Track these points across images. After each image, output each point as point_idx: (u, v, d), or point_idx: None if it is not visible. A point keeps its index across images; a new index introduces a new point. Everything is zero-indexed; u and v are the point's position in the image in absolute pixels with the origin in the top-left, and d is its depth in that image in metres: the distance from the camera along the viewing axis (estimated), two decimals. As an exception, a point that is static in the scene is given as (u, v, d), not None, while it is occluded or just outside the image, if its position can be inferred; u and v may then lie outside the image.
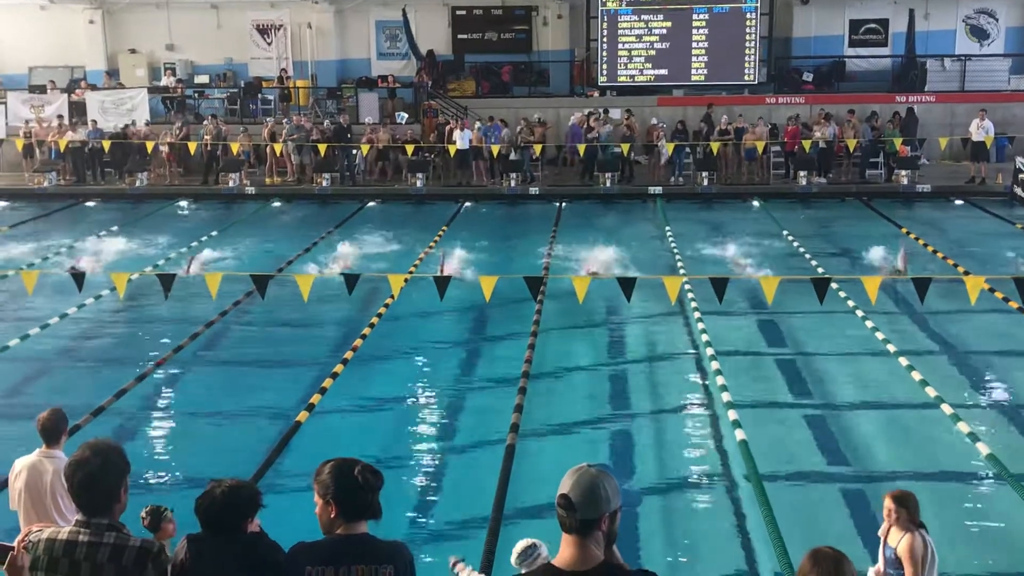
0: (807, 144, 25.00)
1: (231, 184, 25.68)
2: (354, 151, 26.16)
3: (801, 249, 18.76)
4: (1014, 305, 14.24)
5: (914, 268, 15.75)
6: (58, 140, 26.34)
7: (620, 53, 29.31)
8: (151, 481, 9.33)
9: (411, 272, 16.41)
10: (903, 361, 12.23)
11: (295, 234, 21.14)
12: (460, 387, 12.19)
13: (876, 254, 17.08)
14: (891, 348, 12.73)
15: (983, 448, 9.63)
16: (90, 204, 25.27)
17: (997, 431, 10.50)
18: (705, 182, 24.98)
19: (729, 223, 22.19)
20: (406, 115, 28.43)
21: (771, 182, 25.87)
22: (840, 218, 22.84)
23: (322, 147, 25.56)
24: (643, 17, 29.10)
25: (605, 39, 29.22)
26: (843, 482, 9.43)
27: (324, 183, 25.50)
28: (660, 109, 28.31)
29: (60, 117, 27.54)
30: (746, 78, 29.23)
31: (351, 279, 12.49)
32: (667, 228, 20.89)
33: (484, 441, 10.33)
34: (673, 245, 19.17)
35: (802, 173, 24.97)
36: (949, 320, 14.15)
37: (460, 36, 31.62)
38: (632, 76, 29.48)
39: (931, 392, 11.13)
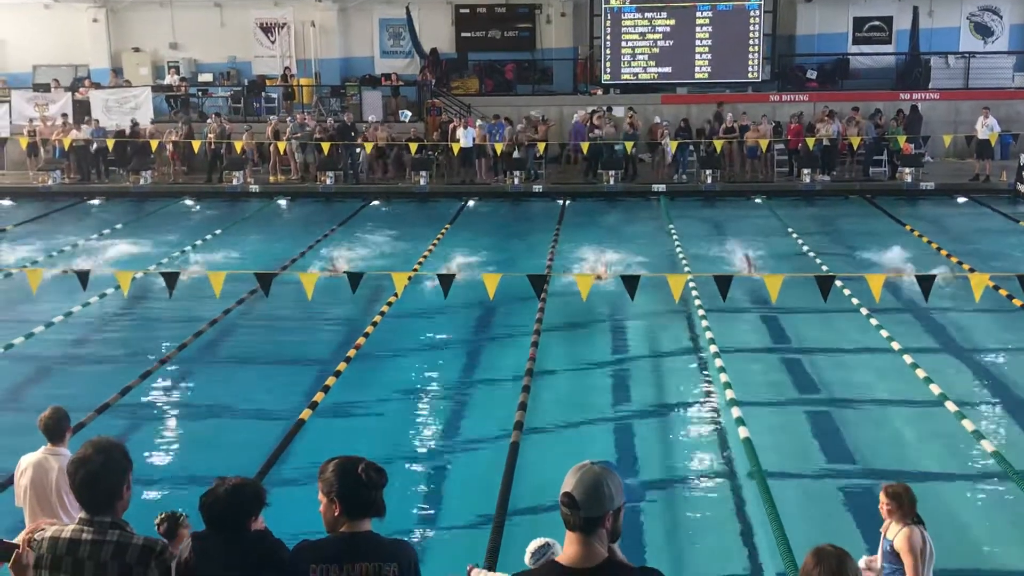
0: (811, 142, 24.97)
1: (235, 182, 25.71)
2: (357, 149, 26.16)
3: (805, 247, 18.74)
4: (1018, 303, 14.23)
5: (917, 266, 15.72)
6: (62, 139, 26.37)
7: (624, 51, 29.27)
8: (155, 479, 9.34)
9: (415, 270, 16.42)
10: (907, 358, 12.22)
11: (299, 232, 21.15)
12: (464, 385, 12.20)
13: (879, 252, 17.07)
14: (895, 345, 12.72)
15: (987, 445, 9.63)
16: (94, 203, 25.30)
17: (1002, 428, 10.50)
18: (709, 180, 24.95)
19: (733, 221, 22.19)
20: (409, 113, 28.44)
21: (775, 180, 25.85)
22: (844, 216, 22.82)
23: (326, 145, 25.57)
24: (647, 15, 29.07)
25: (608, 37, 29.18)
26: (847, 479, 9.43)
27: (328, 181, 25.51)
28: (664, 107, 28.28)
29: (65, 116, 27.57)
30: (750, 76, 29.19)
31: (355, 277, 12.49)
32: (671, 226, 20.87)
33: (488, 439, 10.33)
34: (677, 243, 19.16)
35: (806, 171, 24.94)
36: (953, 317, 14.13)
37: (463, 34, 31.60)
38: (636, 74, 29.45)
39: (935, 389, 11.12)
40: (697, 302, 14.55)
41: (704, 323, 13.73)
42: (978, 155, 24.93)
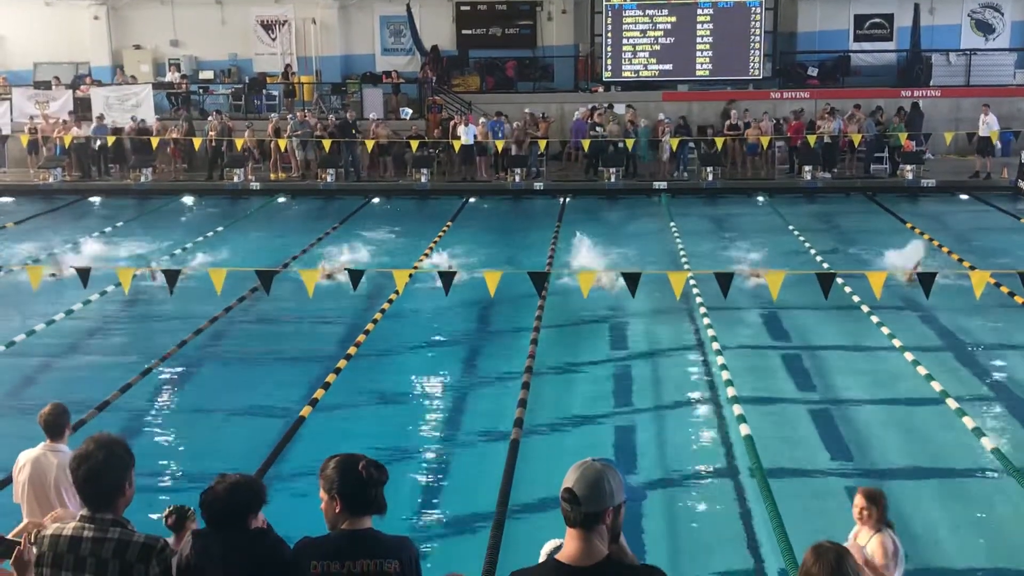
0: (812, 139, 24.96)
1: (236, 180, 25.70)
2: (358, 147, 26.15)
3: (806, 244, 18.73)
4: (1019, 300, 14.23)
5: (918, 264, 15.72)
6: (63, 136, 26.37)
7: (624, 48, 29.25)
8: (156, 476, 9.34)
9: (415, 267, 16.42)
10: (908, 356, 12.22)
11: (299, 230, 21.14)
12: (464, 382, 12.20)
13: (881, 250, 17.07)
14: (896, 343, 12.71)
15: (988, 443, 9.63)
16: (95, 200, 25.30)
17: (1002, 426, 10.49)
18: (710, 177, 24.94)
19: (734, 218, 22.19)
20: (410, 111, 28.44)
21: (776, 177, 25.84)
22: (845, 213, 22.81)
23: (326, 143, 25.57)
24: (648, 12, 29.05)
25: (610, 34, 29.16)
26: (847, 477, 9.41)
27: (328, 179, 25.50)
28: (665, 104, 28.27)
29: (71, 113, 27.58)
30: (751, 73, 29.17)
31: (356, 274, 12.49)
32: (671, 223, 20.86)
33: (488, 436, 10.34)
34: (678, 240, 19.15)
35: (807, 168, 24.93)
36: (954, 315, 14.11)
37: (464, 31, 31.60)
38: (636, 71, 29.43)
39: (936, 386, 11.12)
40: (698, 299, 14.55)
41: (705, 320, 13.73)
42: (979, 152, 24.90)
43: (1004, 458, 9.25)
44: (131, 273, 12.85)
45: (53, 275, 15.25)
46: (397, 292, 14.40)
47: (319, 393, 11.09)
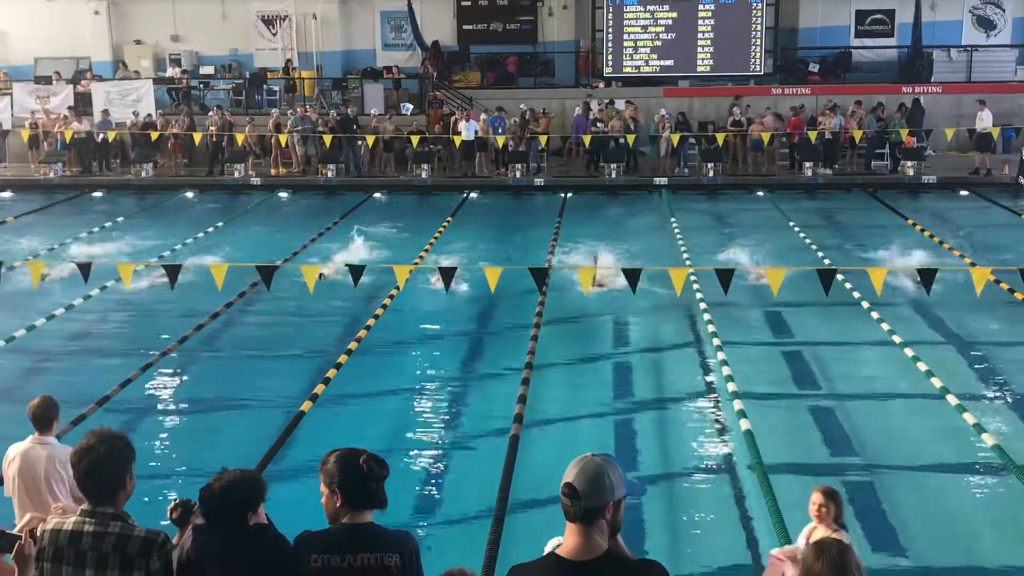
0: (812, 135, 24.95)
1: (236, 175, 25.70)
2: (359, 142, 26.14)
3: (807, 240, 18.73)
4: (1020, 296, 14.23)
5: (920, 259, 15.72)
6: (64, 131, 26.36)
7: (626, 44, 29.23)
8: (155, 471, 9.35)
9: (416, 263, 16.42)
10: (908, 352, 12.22)
11: (300, 225, 21.14)
12: (464, 377, 12.20)
13: (882, 246, 17.07)
14: (896, 339, 12.72)
15: (988, 439, 9.63)
16: (96, 195, 25.31)
17: (1002, 422, 10.49)
18: (711, 173, 24.92)
19: (735, 214, 22.18)
20: (411, 106, 28.41)
21: (777, 173, 25.82)
22: (845, 209, 22.80)
23: (327, 138, 25.56)
24: (649, 7, 29.01)
25: (611, 29, 29.14)
26: (847, 472, 9.43)
27: (329, 174, 25.49)
28: (666, 100, 28.24)
29: (71, 109, 27.57)
30: (752, 69, 29.14)
31: (356, 270, 12.49)
32: (672, 219, 20.85)
33: (489, 431, 10.34)
34: (678, 236, 19.14)
35: (808, 164, 24.91)
36: (955, 311, 14.11)
37: (465, 27, 31.56)
38: (638, 67, 29.41)
39: (936, 383, 11.12)
40: (699, 295, 14.54)
41: (706, 316, 13.73)
42: (978, 148, 24.89)
43: (1005, 454, 9.25)
44: (131, 268, 12.85)
45: (44, 274, 15.16)
46: (398, 287, 14.40)
47: (319, 388, 11.09)
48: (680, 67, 29.26)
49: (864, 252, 17.78)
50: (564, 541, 3.42)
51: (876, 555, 7.81)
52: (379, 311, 14.21)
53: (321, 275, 15.17)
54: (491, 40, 31.43)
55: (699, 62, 29.17)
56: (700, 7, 28.86)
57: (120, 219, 21.89)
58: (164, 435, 10.46)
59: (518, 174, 25.14)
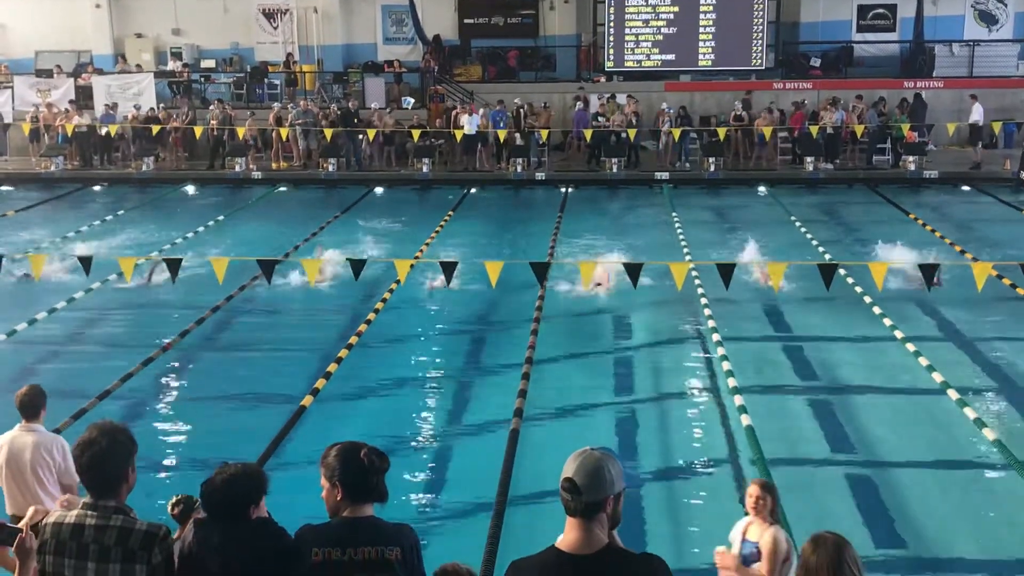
0: (814, 130, 24.92)
1: (237, 169, 25.70)
2: (360, 136, 26.13)
3: (808, 235, 18.72)
4: (1021, 292, 14.23)
5: (920, 255, 15.70)
6: (65, 124, 26.36)
7: (627, 38, 29.17)
8: (156, 465, 9.36)
9: (417, 257, 16.42)
10: (910, 347, 12.22)
11: (301, 219, 21.14)
12: (465, 371, 12.21)
13: (883, 241, 17.06)
14: (898, 334, 12.72)
15: (989, 434, 9.63)
16: (96, 188, 25.31)
17: (1003, 417, 10.50)
18: (712, 168, 24.90)
19: (736, 209, 22.17)
20: (412, 100, 28.39)
21: (778, 168, 25.81)
22: (847, 204, 22.78)
23: (328, 132, 25.54)
24: (650, 2, 28.94)
25: (612, 24, 29.08)
26: (848, 467, 9.44)
27: (330, 168, 25.48)
28: (668, 94, 28.22)
29: (72, 102, 27.56)
30: (754, 63, 29.09)
31: (357, 264, 12.49)
32: (673, 214, 20.84)
33: (489, 425, 10.35)
34: (679, 231, 19.13)
35: (809, 159, 24.89)
36: (956, 306, 14.11)
37: (466, 21, 31.52)
38: (639, 61, 29.37)
39: (938, 378, 11.13)
40: (700, 290, 14.54)
41: (707, 311, 13.73)
42: (970, 142, 24.86)
43: (1006, 449, 9.25)
44: (133, 262, 12.86)
45: (27, 275, 15.08)
46: (399, 282, 14.40)
47: (320, 382, 11.10)
48: (681, 61, 29.21)
49: (865, 247, 17.77)
50: (564, 535, 3.43)
51: (876, 549, 7.82)
52: (380, 305, 14.21)
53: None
54: (492, 34, 31.40)
55: (700, 56, 29.10)
56: (701, 1, 28.80)
57: (121, 213, 21.89)
58: (165, 428, 10.46)
59: (519, 168, 25.13)
